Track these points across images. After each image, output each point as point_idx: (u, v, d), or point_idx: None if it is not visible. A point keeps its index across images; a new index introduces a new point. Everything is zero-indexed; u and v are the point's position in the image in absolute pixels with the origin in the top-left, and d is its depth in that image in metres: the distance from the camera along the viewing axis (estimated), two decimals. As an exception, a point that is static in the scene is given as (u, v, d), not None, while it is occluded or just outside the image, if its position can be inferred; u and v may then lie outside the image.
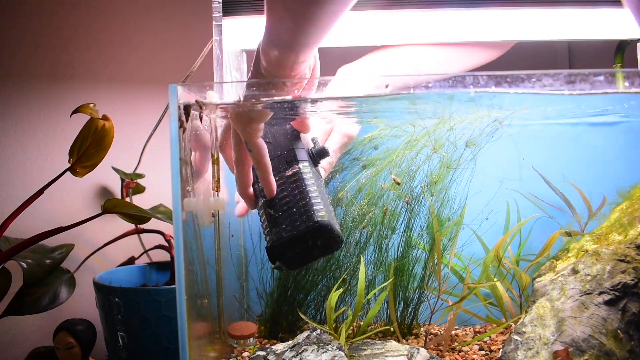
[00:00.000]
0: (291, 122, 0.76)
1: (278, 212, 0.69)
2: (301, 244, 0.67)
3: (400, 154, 0.83)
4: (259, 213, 0.73)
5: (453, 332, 0.87)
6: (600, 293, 0.66)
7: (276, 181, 0.70)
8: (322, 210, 0.68)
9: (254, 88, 0.63)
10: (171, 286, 0.83)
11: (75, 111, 0.82)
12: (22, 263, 0.79)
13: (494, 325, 0.87)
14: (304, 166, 0.72)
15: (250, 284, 0.91)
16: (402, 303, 0.86)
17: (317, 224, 0.66)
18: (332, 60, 0.78)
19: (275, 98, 0.63)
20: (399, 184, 0.82)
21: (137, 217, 0.86)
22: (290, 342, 0.73)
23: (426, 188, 0.83)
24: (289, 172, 0.71)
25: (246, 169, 0.71)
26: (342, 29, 0.79)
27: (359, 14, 0.77)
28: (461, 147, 0.82)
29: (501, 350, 0.69)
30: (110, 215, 0.84)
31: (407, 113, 0.80)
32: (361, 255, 0.78)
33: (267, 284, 0.89)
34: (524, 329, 0.67)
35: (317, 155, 0.74)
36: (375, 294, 0.83)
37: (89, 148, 0.82)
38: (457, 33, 0.82)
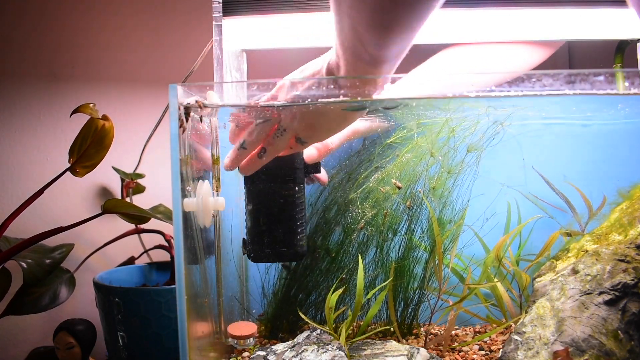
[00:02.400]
0: None
1: (264, 220, 0.76)
2: (274, 256, 0.77)
3: (403, 157, 0.83)
4: (245, 198, 0.78)
5: (453, 332, 0.87)
6: (600, 293, 0.66)
7: (270, 187, 0.76)
8: (303, 239, 0.77)
9: (255, 88, 0.63)
10: (171, 286, 0.83)
11: (75, 111, 0.82)
12: (22, 263, 0.79)
13: (494, 325, 0.87)
14: (300, 188, 0.77)
15: (250, 284, 0.91)
16: (402, 303, 0.86)
17: (295, 253, 0.77)
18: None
19: (276, 102, 0.63)
20: (399, 188, 0.82)
21: (137, 217, 0.86)
22: (290, 342, 0.73)
23: (428, 193, 0.83)
24: (285, 191, 0.77)
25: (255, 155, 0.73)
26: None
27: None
28: (467, 146, 0.82)
29: (501, 350, 0.69)
30: (110, 215, 0.84)
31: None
32: (359, 255, 0.79)
33: (269, 284, 0.89)
34: (524, 329, 0.67)
35: (310, 169, 0.79)
36: (375, 294, 0.83)
37: (89, 148, 0.82)
38: (456, 33, 0.82)
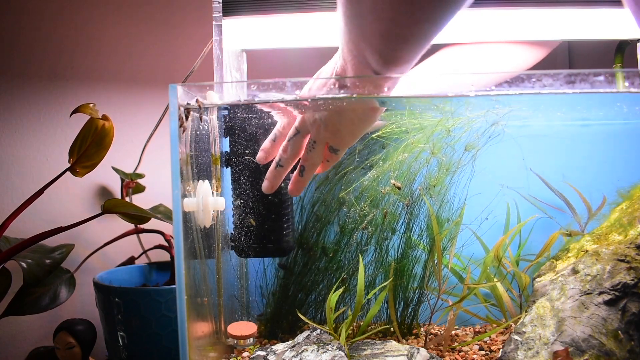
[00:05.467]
0: None
1: (250, 215, 0.77)
2: (260, 251, 0.78)
3: (400, 156, 0.83)
4: (232, 202, 0.79)
5: (453, 332, 0.87)
6: (600, 293, 0.66)
7: (256, 183, 0.76)
8: (289, 234, 0.78)
9: (254, 87, 0.63)
10: (171, 286, 0.83)
11: (75, 111, 0.82)
12: (22, 263, 0.79)
13: (494, 325, 0.87)
14: (286, 184, 0.77)
15: (250, 284, 0.91)
16: (402, 303, 0.86)
17: (281, 248, 0.78)
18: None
19: (275, 99, 0.63)
20: (399, 188, 0.82)
21: (137, 217, 0.86)
22: (290, 342, 0.73)
23: (425, 190, 0.83)
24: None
25: (291, 163, 0.74)
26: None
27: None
28: (467, 143, 0.82)
29: (501, 350, 0.69)
30: (110, 215, 0.84)
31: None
32: (360, 255, 0.79)
33: (268, 283, 0.89)
34: (524, 329, 0.67)
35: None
36: (375, 294, 0.83)
37: (89, 148, 0.82)
38: (457, 33, 0.82)
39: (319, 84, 0.64)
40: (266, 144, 0.75)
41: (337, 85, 0.62)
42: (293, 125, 0.71)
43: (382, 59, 0.56)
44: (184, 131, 0.62)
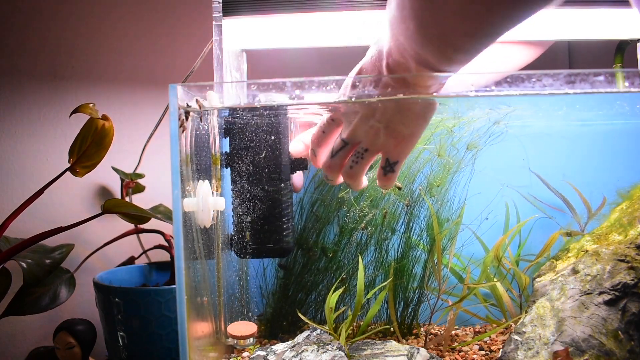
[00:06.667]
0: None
1: (249, 216, 0.77)
2: (260, 252, 0.78)
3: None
4: (232, 203, 0.78)
5: (453, 332, 0.87)
6: (600, 293, 0.66)
7: (256, 183, 0.76)
8: (289, 235, 0.78)
9: (254, 87, 0.63)
10: (171, 286, 0.83)
11: (75, 111, 0.82)
12: (22, 263, 0.79)
13: (494, 325, 0.87)
14: (286, 185, 0.77)
15: (250, 284, 0.91)
16: (402, 303, 0.86)
17: (281, 249, 0.77)
18: (337, 60, 0.78)
19: (274, 102, 0.63)
20: (399, 188, 0.82)
21: (137, 217, 0.86)
22: (290, 342, 0.73)
23: (426, 190, 0.83)
24: (271, 187, 0.77)
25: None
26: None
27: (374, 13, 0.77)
28: (466, 146, 0.82)
29: (501, 350, 0.69)
30: (110, 215, 0.84)
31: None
32: (359, 255, 0.79)
33: (268, 283, 0.89)
34: (524, 329, 0.67)
35: (296, 165, 0.78)
36: (375, 293, 0.83)
37: (88, 148, 0.82)
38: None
39: (353, 82, 0.61)
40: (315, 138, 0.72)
41: (384, 82, 0.58)
42: (328, 116, 0.68)
43: (446, 54, 0.53)
44: (183, 131, 0.62)
